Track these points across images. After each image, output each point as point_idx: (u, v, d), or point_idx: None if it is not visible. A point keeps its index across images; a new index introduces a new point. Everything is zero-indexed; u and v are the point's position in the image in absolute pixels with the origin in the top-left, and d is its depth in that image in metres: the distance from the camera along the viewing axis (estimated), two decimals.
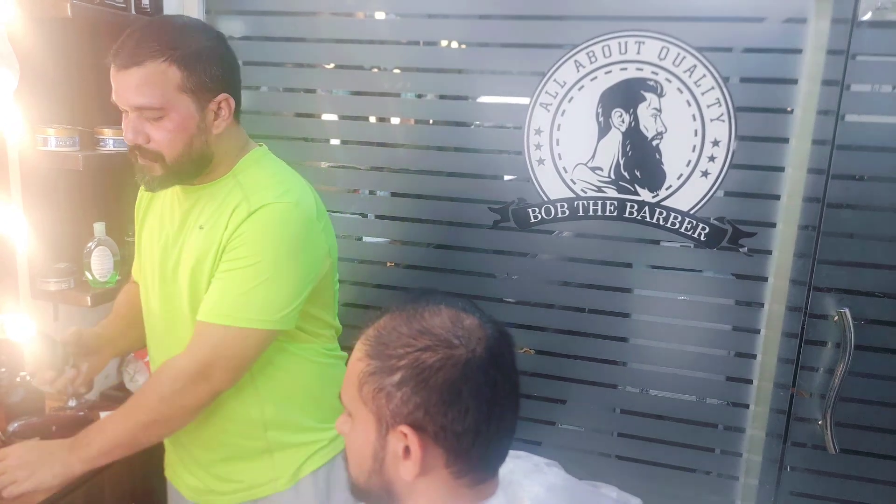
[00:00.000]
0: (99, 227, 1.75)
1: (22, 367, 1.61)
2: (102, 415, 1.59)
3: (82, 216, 1.83)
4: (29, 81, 1.63)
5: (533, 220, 1.83)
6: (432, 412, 0.77)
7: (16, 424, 1.45)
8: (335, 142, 2.03)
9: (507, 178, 1.93)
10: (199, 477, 1.40)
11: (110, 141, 1.73)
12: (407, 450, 0.78)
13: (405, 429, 0.77)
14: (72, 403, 1.63)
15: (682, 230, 1.75)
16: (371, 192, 2.09)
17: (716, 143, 1.69)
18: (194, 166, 1.24)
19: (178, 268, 1.30)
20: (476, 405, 0.78)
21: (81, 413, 1.56)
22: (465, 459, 0.80)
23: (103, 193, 1.91)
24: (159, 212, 1.37)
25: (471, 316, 0.82)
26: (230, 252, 1.22)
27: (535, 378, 1.92)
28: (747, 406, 1.83)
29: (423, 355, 0.77)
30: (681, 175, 1.73)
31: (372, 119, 2.04)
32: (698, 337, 1.83)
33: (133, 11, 1.79)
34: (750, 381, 1.81)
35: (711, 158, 1.70)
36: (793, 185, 1.68)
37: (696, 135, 1.70)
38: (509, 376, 0.82)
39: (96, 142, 1.74)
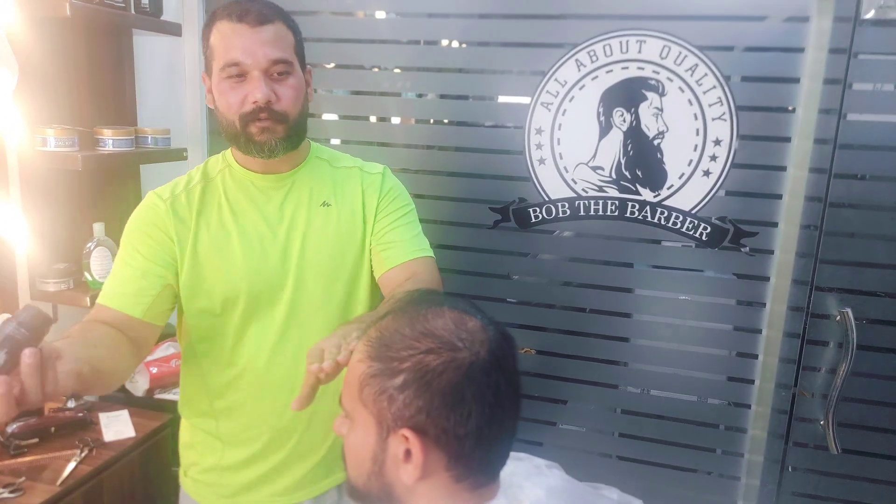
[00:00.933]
0: (98, 228, 1.74)
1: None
2: (101, 416, 1.59)
3: (81, 216, 1.83)
4: (28, 81, 1.63)
5: (534, 220, 1.83)
6: (434, 415, 0.76)
7: (14, 426, 1.45)
8: (335, 141, 2.02)
9: (507, 177, 1.92)
10: (299, 472, 1.33)
11: (109, 141, 1.73)
12: (408, 453, 0.77)
13: (407, 432, 0.76)
14: (71, 404, 1.62)
15: (684, 230, 1.74)
16: None
17: (717, 142, 1.69)
18: (303, 132, 1.27)
19: (312, 246, 1.28)
20: (479, 408, 0.77)
21: (80, 414, 1.56)
22: (466, 463, 0.79)
23: (102, 194, 1.90)
24: (232, 221, 1.26)
25: (473, 318, 0.81)
26: (390, 205, 1.33)
27: (536, 378, 1.91)
28: (749, 406, 1.82)
29: (426, 358, 0.76)
30: (682, 174, 1.72)
31: (372, 119, 2.03)
32: (700, 337, 1.82)
33: (133, 11, 1.79)
34: (752, 382, 1.80)
35: (713, 158, 1.70)
36: (795, 184, 1.67)
37: (697, 134, 1.69)
38: (512, 379, 0.81)
39: (95, 142, 1.74)
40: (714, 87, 1.66)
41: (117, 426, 1.56)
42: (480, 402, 0.77)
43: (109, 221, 1.78)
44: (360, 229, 1.31)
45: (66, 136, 1.64)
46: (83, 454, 1.44)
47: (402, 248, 1.30)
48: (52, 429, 1.49)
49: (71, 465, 1.40)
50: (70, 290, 1.72)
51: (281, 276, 1.26)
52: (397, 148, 1.92)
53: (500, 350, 0.79)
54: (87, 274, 1.72)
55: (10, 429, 1.43)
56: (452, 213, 1.92)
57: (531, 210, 1.82)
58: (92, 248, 1.72)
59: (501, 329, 0.82)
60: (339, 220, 1.30)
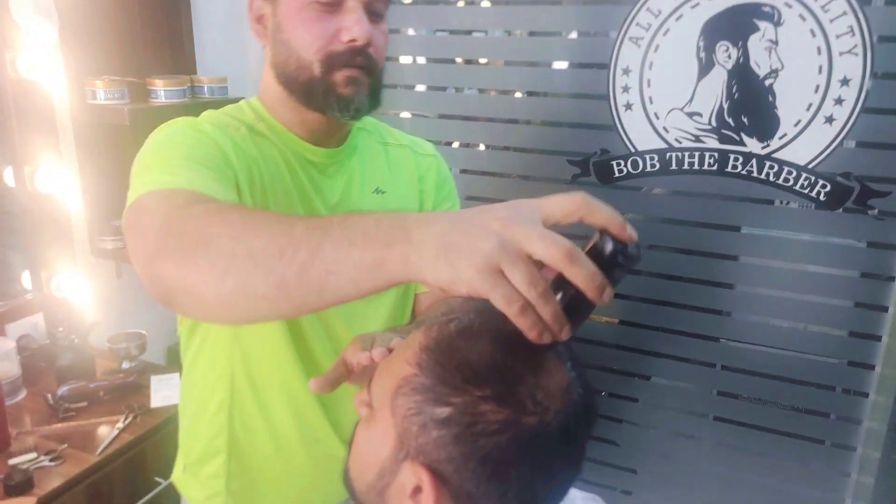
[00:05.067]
0: None
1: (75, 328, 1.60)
2: (153, 379, 1.56)
3: None
4: (71, 32, 1.56)
5: (617, 175, 1.60)
6: (464, 475, 0.58)
7: (65, 388, 1.43)
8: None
9: (588, 125, 1.68)
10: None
11: (161, 92, 1.65)
12: (417, 491, 0.62)
13: (424, 474, 0.60)
14: (125, 366, 1.60)
15: (798, 188, 1.47)
16: (448, 144, 1.91)
17: (845, 81, 1.39)
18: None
19: None
20: (519, 488, 0.59)
21: (131, 379, 1.53)
22: None
23: None
24: (298, 201, 1.00)
25: (561, 369, 0.60)
26: (446, 200, 1.14)
27: (619, 351, 1.73)
28: (867, 395, 1.56)
29: (483, 406, 0.58)
30: (799, 121, 1.44)
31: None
32: (814, 314, 1.57)
33: None
34: (872, 367, 1.54)
35: (839, 101, 1.40)
36: None
37: (820, 72, 1.40)
38: (574, 458, 0.61)
39: (148, 93, 1.66)
40: (844, 13, 1.35)
41: (166, 391, 1.52)
42: (524, 481, 0.58)
43: None
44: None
45: (116, 87, 1.57)
46: (127, 420, 1.41)
47: None
48: (101, 393, 1.47)
49: (114, 433, 1.37)
50: None
51: None
52: (462, 92, 1.73)
53: (575, 420, 0.59)
54: None
55: (60, 391, 1.42)
56: (526, 165, 1.72)
57: (615, 163, 1.60)
58: None
59: (589, 394, 0.61)
60: (392, 209, 1.06)
